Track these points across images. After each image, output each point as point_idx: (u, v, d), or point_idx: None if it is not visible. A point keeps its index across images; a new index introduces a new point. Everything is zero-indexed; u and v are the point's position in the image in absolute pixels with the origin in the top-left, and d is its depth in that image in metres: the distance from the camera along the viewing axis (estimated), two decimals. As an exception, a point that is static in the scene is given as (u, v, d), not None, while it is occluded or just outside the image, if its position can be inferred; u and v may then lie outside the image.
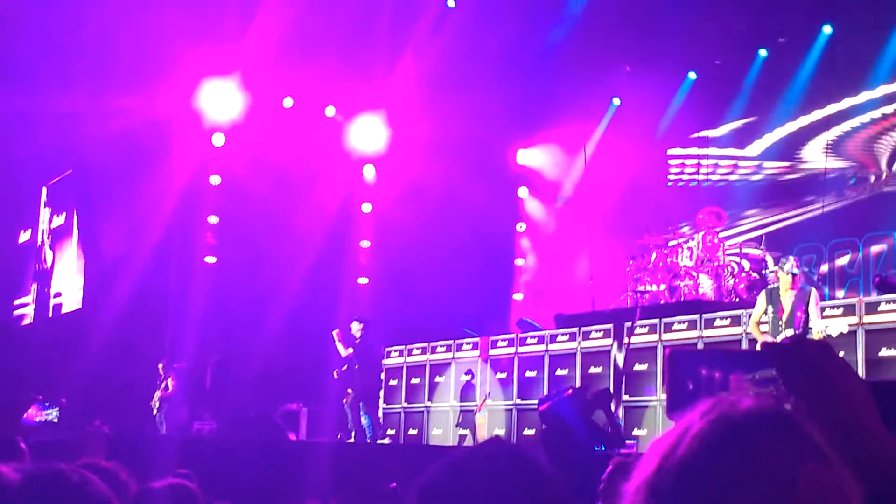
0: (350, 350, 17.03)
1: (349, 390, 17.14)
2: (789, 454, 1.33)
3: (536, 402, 12.44)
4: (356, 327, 17.14)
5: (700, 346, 14.18)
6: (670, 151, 21.36)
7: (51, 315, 23.99)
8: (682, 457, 1.34)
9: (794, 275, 11.14)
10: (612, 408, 10.64)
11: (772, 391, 1.68)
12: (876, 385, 1.75)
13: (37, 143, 21.10)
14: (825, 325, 10.93)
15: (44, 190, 25.20)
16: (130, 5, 17.89)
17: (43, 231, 25.19)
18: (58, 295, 23.78)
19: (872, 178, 18.06)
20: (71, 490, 2.16)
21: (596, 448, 9.08)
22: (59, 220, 24.58)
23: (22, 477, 2.13)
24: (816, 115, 18.65)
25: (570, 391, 10.75)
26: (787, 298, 11.14)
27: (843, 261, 17.76)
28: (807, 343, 1.68)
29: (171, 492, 3.70)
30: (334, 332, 17.35)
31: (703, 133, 20.69)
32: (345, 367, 17.38)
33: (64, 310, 23.54)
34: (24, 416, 16.74)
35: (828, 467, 1.34)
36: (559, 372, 16.13)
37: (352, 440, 16.97)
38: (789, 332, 11.00)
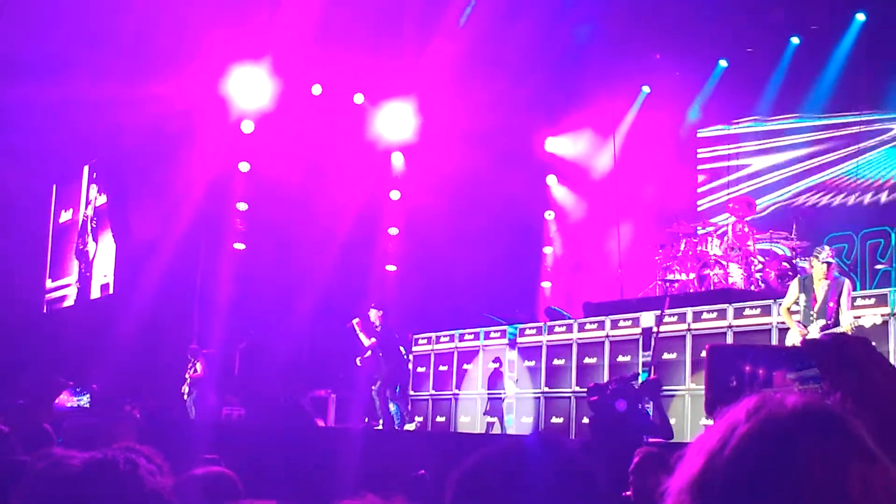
0: (373, 339, 17.01)
1: (377, 377, 17.17)
2: (840, 454, 1.32)
3: (585, 390, 12.30)
4: (374, 314, 17.13)
5: (730, 335, 14.11)
6: (700, 138, 21.21)
7: (94, 296, 24.11)
8: (729, 456, 1.33)
9: (829, 264, 11.06)
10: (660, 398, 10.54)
11: (817, 389, 1.67)
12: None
13: (70, 130, 21.25)
14: (855, 316, 10.86)
15: (85, 169, 25.30)
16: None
17: (84, 213, 25.30)
18: (104, 277, 23.92)
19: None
20: (128, 476, 2.21)
21: (644, 438, 9.03)
22: (96, 202, 24.75)
23: (82, 463, 2.18)
24: (848, 103, 18.48)
25: (621, 381, 10.67)
26: (821, 288, 11.06)
27: (874, 250, 17.61)
28: (848, 340, 1.67)
29: (213, 480, 3.72)
30: (354, 322, 17.34)
31: (735, 121, 20.54)
32: (367, 354, 17.41)
33: (99, 294, 23.73)
34: (56, 401, 16.89)
35: (878, 466, 1.33)
36: (587, 360, 16.09)
37: (379, 426, 17.00)
38: (821, 322, 10.92)
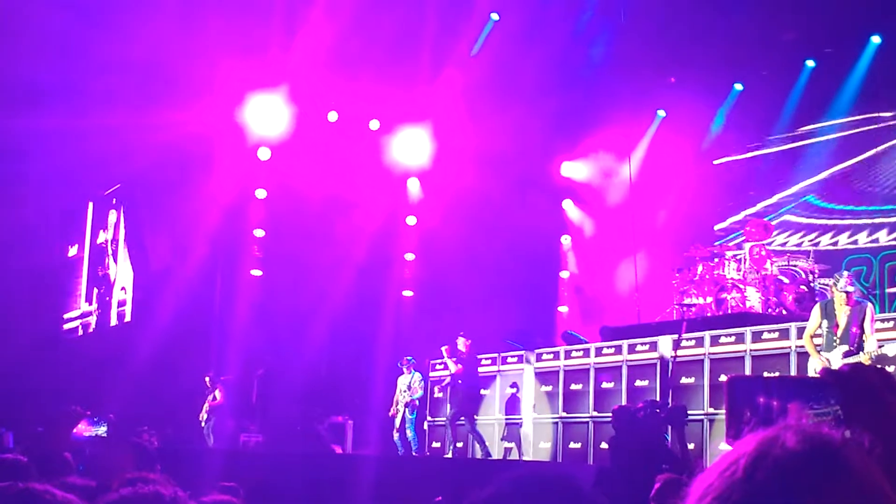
0: (459, 366, 16.81)
1: (452, 405, 16.97)
2: (841, 496, 1.30)
3: (609, 414, 12.18)
4: (462, 343, 16.90)
5: (748, 359, 14.03)
6: (716, 162, 21.19)
7: (113, 323, 24.20)
8: (732, 499, 1.31)
9: (847, 293, 10.96)
10: (685, 427, 10.37)
11: (832, 421, 1.66)
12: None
13: (85, 158, 21.37)
14: (879, 345, 10.77)
15: (90, 205, 25.50)
16: (177, 21, 18.07)
17: (103, 243, 25.42)
18: (122, 303, 24.00)
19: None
20: None
21: (664, 467, 8.94)
22: (109, 234, 24.89)
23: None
24: (866, 125, 18.44)
25: (650, 405, 10.54)
26: (843, 313, 10.94)
27: (892, 273, 17.53)
28: (866, 370, 1.65)
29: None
30: (443, 349, 17.19)
31: (751, 144, 20.51)
32: (446, 382, 17.31)
33: (117, 321, 23.80)
34: (74, 431, 16.89)
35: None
36: (605, 385, 16.04)
37: (449, 455, 16.82)
38: (844, 348, 10.82)
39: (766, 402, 1.75)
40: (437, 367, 18.92)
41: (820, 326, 11.18)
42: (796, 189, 19.74)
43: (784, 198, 19.91)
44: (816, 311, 11.39)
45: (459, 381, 16.72)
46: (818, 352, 11.08)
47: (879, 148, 18.33)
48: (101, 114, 18.75)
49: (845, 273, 11.38)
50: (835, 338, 10.92)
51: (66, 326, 26.30)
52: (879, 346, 10.79)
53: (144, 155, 19.81)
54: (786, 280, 16.56)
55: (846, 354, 10.75)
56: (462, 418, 16.54)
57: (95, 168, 22.83)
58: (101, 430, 17.80)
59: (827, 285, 12.72)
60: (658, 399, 13.67)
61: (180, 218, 20.55)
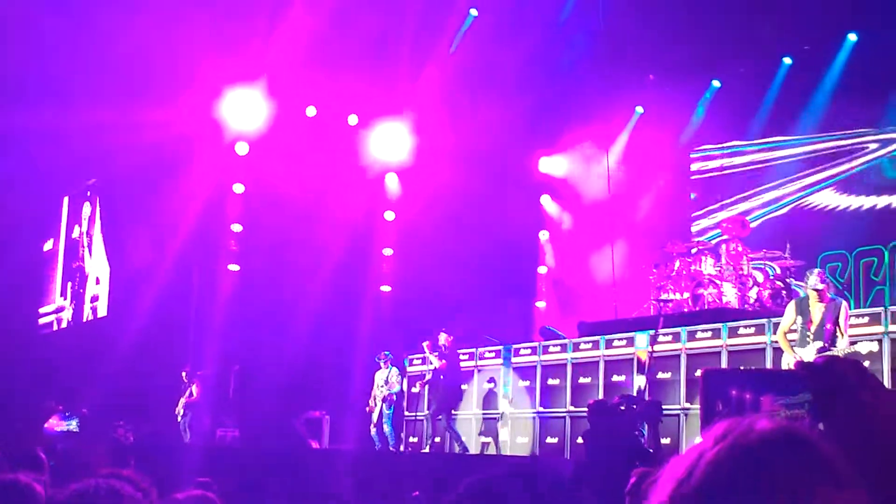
0: (443, 361, 16.76)
1: (432, 401, 16.95)
2: (802, 478, 1.31)
3: (584, 409, 12.20)
4: (444, 338, 16.87)
5: (724, 354, 14.10)
6: (694, 158, 21.27)
7: (87, 318, 24.09)
8: (696, 484, 1.33)
9: (818, 290, 11.02)
10: (658, 423, 10.41)
11: (803, 413, 1.67)
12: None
13: (61, 154, 21.26)
14: (851, 341, 10.85)
15: (65, 200, 25.36)
16: (154, 16, 17.98)
17: (78, 237, 25.30)
18: (95, 298, 23.90)
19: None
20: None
21: (637, 462, 8.98)
22: (84, 227, 24.77)
23: (68, 497, 2.18)
24: (841, 122, 18.55)
25: (626, 400, 10.58)
26: (817, 310, 11.01)
27: (867, 269, 17.64)
28: (840, 363, 1.66)
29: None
30: (424, 344, 17.13)
31: (728, 141, 20.60)
32: (428, 378, 17.27)
33: (92, 316, 23.69)
34: (46, 426, 16.84)
35: (846, 492, 1.32)
36: (582, 380, 16.08)
37: (426, 449, 16.80)
38: (818, 345, 10.89)
39: (738, 394, 1.76)
40: (415, 362, 18.92)
41: (795, 323, 11.25)
42: (773, 186, 19.83)
43: (761, 193, 20.00)
44: (791, 308, 11.47)
45: (441, 377, 16.72)
46: (792, 348, 11.15)
47: (858, 160, 18.46)
48: (78, 109, 18.63)
49: (815, 270, 11.45)
50: (808, 334, 10.99)
51: (42, 321, 26.16)
52: (852, 344, 10.88)
53: (122, 150, 19.73)
54: (761, 276, 16.64)
55: (820, 351, 10.83)
56: (441, 415, 16.56)
57: (73, 163, 22.71)
58: (73, 425, 17.73)
59: (801, 284, 12.80)
60: (634, 394, 13.74)
61: (157, 212, 20.46)
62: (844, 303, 11.33)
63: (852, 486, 1.32)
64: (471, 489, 1.83)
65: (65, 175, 23.98)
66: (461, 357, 17.74)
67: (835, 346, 10.76)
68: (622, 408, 10.39)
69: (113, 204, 23.56)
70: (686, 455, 1.37)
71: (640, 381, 14.78)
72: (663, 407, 12.78)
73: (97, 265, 24.09)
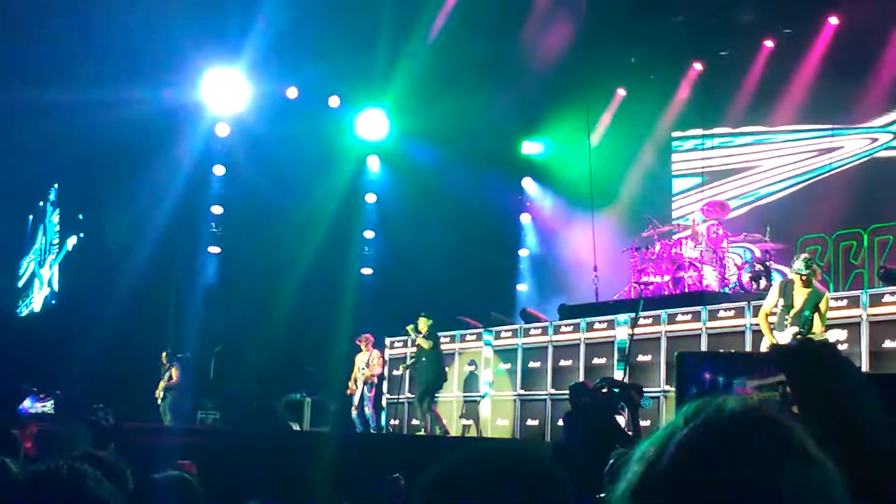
0: (430, 342, 16.60)
1: (418, 384, 16.90)
2: (772, 456, 1.32)
3: (567, 390, 12.19)
4: (424, 323, 16.74)
5: (704, 337, 14.15)
6: (675, 141, 21.29)
7: (55, 303, 24.00)
8: (667, 463, 1.33)
9: (800, 274, 11.03)
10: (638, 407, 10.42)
11: (777, 395, 1.67)
12: (881, 379, 1.74)
13: (43, 136, 21.08)
14: (826, 335, 10.91)
15: (54, 186, 25.21)
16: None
17: (50, 222, 25.18)
18: (73, 280, 23.79)
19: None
20: (73, 486, 2.19)
21: (617, 445, 8.98)
22: (62, 214, 24.63)
23: (26, 476, 2.17)
24: (822, 106, 18.60)
25: (609, 382, 10.59)
26: (799, 295, 11.00)
27: (847, 252, 17.72)
28: (815, 345, 1.66)
29: (171, 484, 3.69)
30: (409, 328, 16.98)
31: (709, 124, 20.63)
32: (412, 361, 17.20)
33: (68, 299, 23.56)
34: (20, 407, 16.76)
35: (814, 470, 1.33)
36: (563, 363, 16.11)
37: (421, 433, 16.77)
38: (794, 330, 10.90)
39: (712, 377, 1.76)
40: (395, 344, 18.91)
41: (777, 305, 11.26)
42: (753, 169, 19.88)
43: (741, 177, 20.05)
44: (775, 289, 11.48)
45: (424, 360, 16.70)
46: (771, 331, 11.18)
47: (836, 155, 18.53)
48: (58, 91, 18.47)
49: (802, 255, 11.44)
50: (787, 318, 11.00)
51: (19, 305, 26.01)
52: (824, 332, 10.91)
53: (100, 132, 19.58)
54: (741, 260, 16.70)
55: (796, 336, 10.86)
56: (426, 398, 16.55)
57: (54, 147, 22.53)
58: (48, 407, 17.66)
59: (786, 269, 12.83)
60: (615, 377, 13.77)
61: (137, 194, 20.35)
62: (827, 293, 11.34)
63: (820, 465, 1.33)
64: (446, 470, 1.81)
65: (49, 157, 23.75)
66: (442, 340, 17.73)
67: (811, 334, 10.78)
68: (604, 390, 10.40)
69: (92, 186, 23.39)
70: (657, 435, 1.37)
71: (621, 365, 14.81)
72: (644, 390, 12.81)
73: (74, 249, 23.93)
